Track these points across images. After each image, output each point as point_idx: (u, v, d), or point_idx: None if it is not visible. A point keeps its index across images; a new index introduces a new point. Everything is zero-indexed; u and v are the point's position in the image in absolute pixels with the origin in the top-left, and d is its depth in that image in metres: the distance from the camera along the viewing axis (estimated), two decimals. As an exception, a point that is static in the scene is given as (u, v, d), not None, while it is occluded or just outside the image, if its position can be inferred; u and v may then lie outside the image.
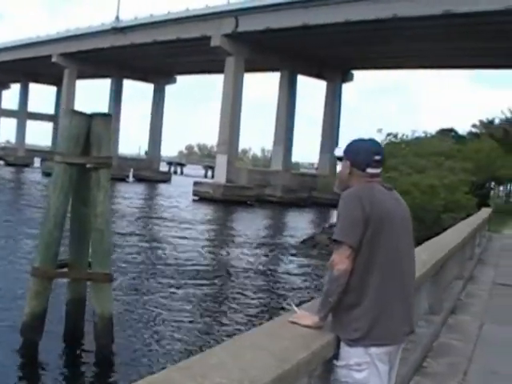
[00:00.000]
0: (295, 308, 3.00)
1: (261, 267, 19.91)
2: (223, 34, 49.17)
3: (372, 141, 3.07)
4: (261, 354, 2.32)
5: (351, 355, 2.81)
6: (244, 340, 2.53)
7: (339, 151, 3.12)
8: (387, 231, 2.84)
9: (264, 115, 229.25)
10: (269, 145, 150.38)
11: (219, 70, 54.38)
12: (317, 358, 2.61)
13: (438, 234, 21.49)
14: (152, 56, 61.18)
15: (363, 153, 2.98)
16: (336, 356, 2.87)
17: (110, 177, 9.74)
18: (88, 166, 9.39)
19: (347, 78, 61.30)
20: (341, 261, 2.77)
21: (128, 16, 60.57)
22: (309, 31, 44.42)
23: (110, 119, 9.75)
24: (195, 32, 50.29)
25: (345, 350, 2.83)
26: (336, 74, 59.11)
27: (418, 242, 17.96)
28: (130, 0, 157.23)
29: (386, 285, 2.82)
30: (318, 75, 59.40)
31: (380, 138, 28.15)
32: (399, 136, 29.41)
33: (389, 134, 28.82)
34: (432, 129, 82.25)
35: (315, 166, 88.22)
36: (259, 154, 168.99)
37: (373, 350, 2.79)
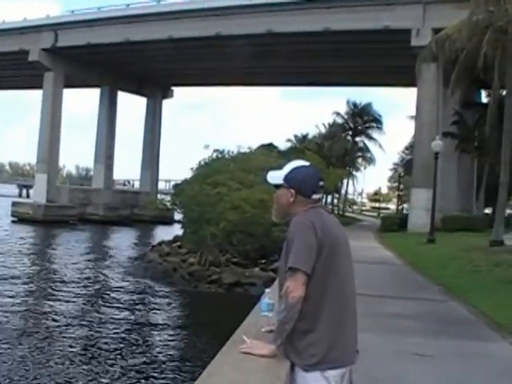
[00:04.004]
0: (245, 338, 2.94)
1: (93, 292, 18.89)
2: (42, 49, 47.07)
3: (312, 166, 3.10)
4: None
5: (308, 380, 2.80)
6: (219, 378, 2.44)
7: (275, 178, 3.09)
8: (337, 256, 2.89)
9: (76, 131, 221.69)
10: (83, 162, 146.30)
11: (38, 86, 51.84)
12: (286, 387, 2.60)
13: (264, 246, 22.45)
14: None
15: (310, 180, 3.01)
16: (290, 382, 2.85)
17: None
18: None
19: (167, 94, 61.31)
20: (296, 288, 2.78)
21: None
22: (130, 47, 44.10)
23: None
24: (12, 46, 47.59)
25: (301, 375, 2.82)
26: (156, 90, 59.05)
27: (247, 255, 18.30)
28: None
29: (339, 308, 2.86)
30: (138, 92, 59.00)
31: (207, 154, 28.50)
32: (225, 152, 29.82)
33: (216, 151, 29.12)
34: (251, 144, 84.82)
35: (132, 182, 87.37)
36: (74, 171, 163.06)
37: (329, 372, 2.81)
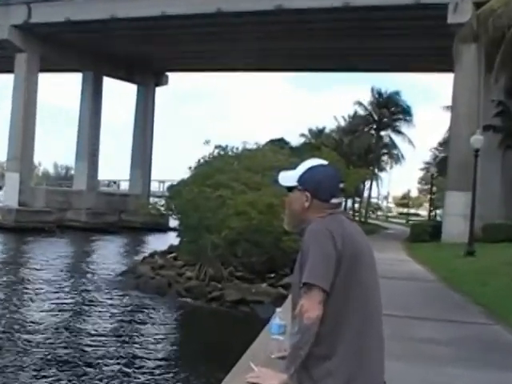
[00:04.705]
0: (253, 365, 2.97)
1: (71, 314, 18.64)
2: (12, 25, 46.89)
3: (331, 166, 3.11)
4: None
5: (324, 415, 2.80)
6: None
7: (288, 179, 3.10)
8: (360, 268, 2.89)
9: (54, 123, 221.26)
10: (62, 159, 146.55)
11: (8, 70, 51.90)
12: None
13: (273, 257, 22.43)
14: None
15: (328, 181, 3.02)
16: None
17: None
18: None
19: (161, 81, 61.52)
20: (312, 307, 2.76)
21: None
22: (117, 25, 44.27)
23: None
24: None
25: (316, 409, 2.83)
26: (148, 76, 59.33)
27: (253, 268, 18.27)
28: None
29: (362, 330, 2.85)
30: (127, 78, 59.14)
31: (207, 150, 28.62)
32: (229, 148, 29.90)
33: (217, 147, 29.17)
34: (259, 139, 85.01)
35: (117, 183, 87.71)
36: (51, 169, 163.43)
37: (348, 406, 2.79)
